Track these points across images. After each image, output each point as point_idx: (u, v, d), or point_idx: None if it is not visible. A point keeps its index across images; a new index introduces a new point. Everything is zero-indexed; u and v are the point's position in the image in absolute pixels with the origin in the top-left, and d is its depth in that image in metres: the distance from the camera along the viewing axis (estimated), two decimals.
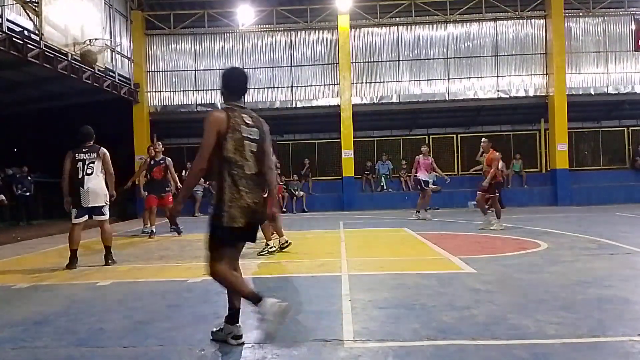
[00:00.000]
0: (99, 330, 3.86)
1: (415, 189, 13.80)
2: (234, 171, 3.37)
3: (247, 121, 3.53)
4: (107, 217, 7.07)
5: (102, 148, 7.04)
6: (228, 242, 3.47)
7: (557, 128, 17.75)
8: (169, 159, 10.78)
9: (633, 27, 18.11)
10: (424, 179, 13.04)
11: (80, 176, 6.77)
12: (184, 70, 18.91)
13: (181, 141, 19.59)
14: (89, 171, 6.85)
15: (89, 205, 6.79)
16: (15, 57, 11.32)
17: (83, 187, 6.73)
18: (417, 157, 13.41)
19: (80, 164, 6.83)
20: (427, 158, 13.31)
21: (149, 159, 10.66)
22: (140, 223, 12.15)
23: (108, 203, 7.02)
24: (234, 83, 3.63)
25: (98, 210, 6.92)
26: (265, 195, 3.60)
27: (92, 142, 7.05)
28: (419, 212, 13.29)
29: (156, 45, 18.90)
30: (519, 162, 18.71)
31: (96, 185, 6.83)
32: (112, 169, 7.07)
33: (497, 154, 10.31)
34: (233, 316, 3.54)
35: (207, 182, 16.21)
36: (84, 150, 6.93)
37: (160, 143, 11.10)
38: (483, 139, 10.70)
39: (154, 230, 10.50)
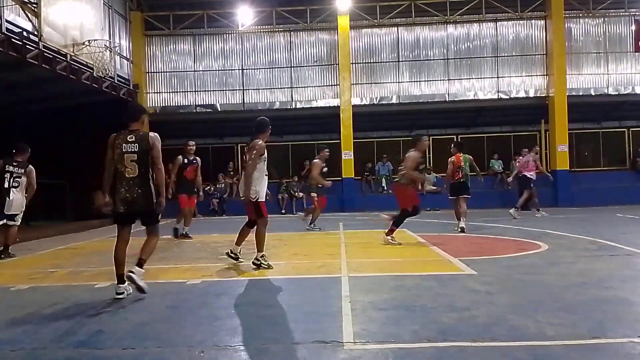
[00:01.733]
0: (98, 332, 3.85)
1: (522, 187, 13.80)
2: (117, 174, 4.94)
3: (129, 139, 4.93)
4: (18, 223, 8.21)
5: (30, 166, 8.17)
6: (117, 222, 5.15)
7: (557, 129, 17.76)
8: (199, 158, 10.56)
9: (633, 28, 18.15)
10: (529, 176, 13.40)
11: (7, 186, 7.84)
12: (184, 71, 18.91)
13: (180, 142, 19.41)
14: (15, 184, 7.96)
15: (9, 213, 7.93)
16: (14, 58, 11.30)
17: (9, 197, 7.85)
18: (526, 155, 13.74)
19: (7, 175, 7.88)
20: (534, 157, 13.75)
21: (181, 158, 10.49)
22: (136, 225, 12.02)
23: (22, 212, 8.22)
24: (125, 116, 5.11)
25: (12, 217, 8.03)
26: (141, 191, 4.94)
27: (24, 158, 8.14)
28: (518, 208, 13.22)
29: (155, 46, 18.91)
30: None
31: (18, 198, 7.98)
32: (35, 183, 8.23)
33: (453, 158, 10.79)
34: (119, 278, 5.00)
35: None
36: (14, 163, 7.99)
37: (193, 142, 10.90)
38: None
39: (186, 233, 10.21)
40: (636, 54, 18.22)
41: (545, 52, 18.40)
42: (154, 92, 18.88)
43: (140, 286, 4.86)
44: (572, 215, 13.65)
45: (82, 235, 11.98)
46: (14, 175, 7.88)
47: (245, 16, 18.30)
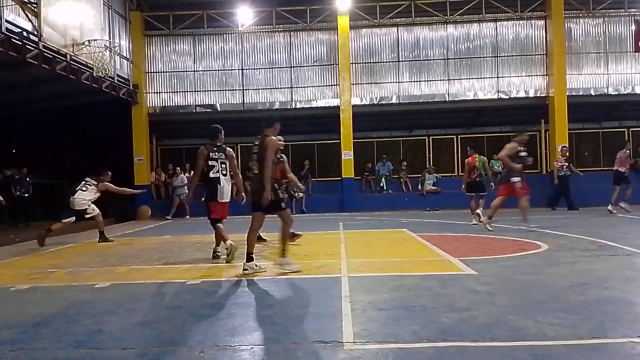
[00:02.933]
0: (97, 332, 3.85)
1: (617, 183, 13.94)
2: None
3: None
4: (93, 214, 10.18)
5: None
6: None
7: (557, 129, 17.76)
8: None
9: (633, 28, 18.14)
10: (624, 172, 13.84)
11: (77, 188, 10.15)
12: (183, 71, 18.91)
13: (180, 142, 19.61)
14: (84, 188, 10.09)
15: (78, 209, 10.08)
16: (14, 58, 11.31)
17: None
18: (620, 152, 14.06)
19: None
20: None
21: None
22: (135, 225, 12.06)
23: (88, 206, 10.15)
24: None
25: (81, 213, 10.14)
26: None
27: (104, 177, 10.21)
28: (615, 204, 13.56)
29: (155, 46, 18.91)
30: None
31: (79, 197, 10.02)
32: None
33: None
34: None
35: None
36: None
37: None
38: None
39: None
40: (636, 54, 18.21)
41: (545, 52, 18.40)
42: (154, 92, 18.88)
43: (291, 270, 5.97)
44: (572, 215, 13.65)
45: (82, 235, 11.95)
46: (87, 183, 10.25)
47: (245, 16, 18.30)
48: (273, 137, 6.10)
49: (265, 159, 5.86)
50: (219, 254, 7.32)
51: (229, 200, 7.37)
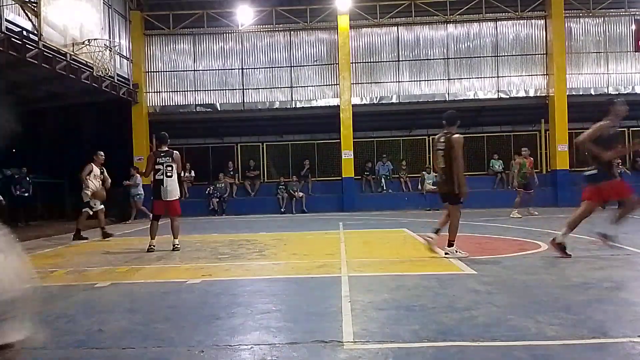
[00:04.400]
0: (97, 332, 3.84)
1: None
2: None
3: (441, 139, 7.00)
4: (97, 208, 10.59)
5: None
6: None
7: (557, 129, 17.76)
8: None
9: (633, 27, 18.14)
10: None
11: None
12: (183, 71, 18.92)
13: (180, 142, 19.56)
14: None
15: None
16: (14, 57, 11.30)
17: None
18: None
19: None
20: None
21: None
22: (135, 225, 12.06)
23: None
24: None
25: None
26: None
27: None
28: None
29: (155, 46, 18.91)
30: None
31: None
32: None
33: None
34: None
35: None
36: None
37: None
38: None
39: None
40: (636, 53, 18.21)
41: (545, 52, 18.40)
42: (154, 92, 18.88)
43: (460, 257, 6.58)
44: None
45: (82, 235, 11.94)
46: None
47: (245, 16, 18.29)
48: (459, 135, 6.82)
49: (456, 157, 6.71)
50: (154, 248, 8.16)
51: (175, 199, 8.31)
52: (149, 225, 8.54)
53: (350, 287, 5.10)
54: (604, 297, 4.52)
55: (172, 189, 8.23)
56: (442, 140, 6.88)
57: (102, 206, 10.79)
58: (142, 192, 16.00)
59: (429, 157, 19.18)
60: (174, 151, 8.40)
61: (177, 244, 8.24)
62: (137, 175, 16.00)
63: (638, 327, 3.66)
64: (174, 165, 8.23)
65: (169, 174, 8.15)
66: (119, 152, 19.31)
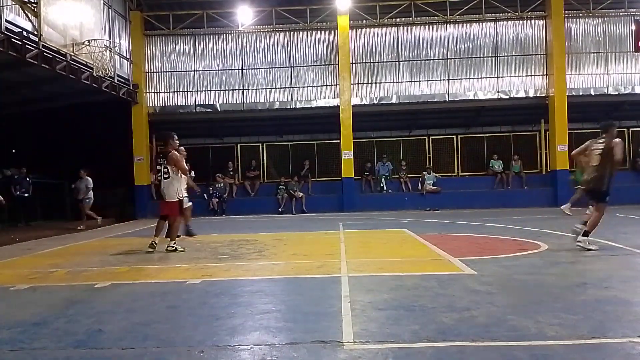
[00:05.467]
0: (97, 332, 3.84)
1: None
2: None
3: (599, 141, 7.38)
4: None
5: None
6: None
7: (557, 129, 17.75)
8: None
9: (633, 27, 18.13)
10: None
11: None
12: (183, 71, 18.91)
13: (180, 142, 19.51)
14: None
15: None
16: (14, 57, 11.30)
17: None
18: None
19: None
20: None
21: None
22: (135, 225, 12.05)
23: None
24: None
25: None
26: None
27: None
28: None
29: (155, 46, 18.91)
30: (518, 163, 18.69)
31: None
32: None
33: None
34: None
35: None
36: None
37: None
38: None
39: None
40: (636, 54, 18.20)
41: (545, 52, 18.40)
42: (154, 92, 18.87)
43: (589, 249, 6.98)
44: (572, 215, 13.62)
45: (82, 235, 11.97)
46: None
47: (245, 16, 18.29)
48: (619, 139, 7.44)
49: (614, 158, 7.25)
50: (155, 245, 8.20)
51: (171, 200, 8.35)
52: (157, 224, 8.60)
53: (350, 287, 5.10)
54: (604, 297, 4.52)
55: (168, 191, 8.30)
56: (600, 141, 7.45)
57: (191, 203, 10.35)
58: (92, 197, 14.66)
59: (429, 157, 19.19)
60: (171, 152, 8.43)
61: (171, 246, 8.20)
62: (87, 178, 14.74)
63: (638, 327, 3.66)
64: (169, 167, 8.31)
65: (165, 175, 8.31)
66: (119, 153, 19.33)
